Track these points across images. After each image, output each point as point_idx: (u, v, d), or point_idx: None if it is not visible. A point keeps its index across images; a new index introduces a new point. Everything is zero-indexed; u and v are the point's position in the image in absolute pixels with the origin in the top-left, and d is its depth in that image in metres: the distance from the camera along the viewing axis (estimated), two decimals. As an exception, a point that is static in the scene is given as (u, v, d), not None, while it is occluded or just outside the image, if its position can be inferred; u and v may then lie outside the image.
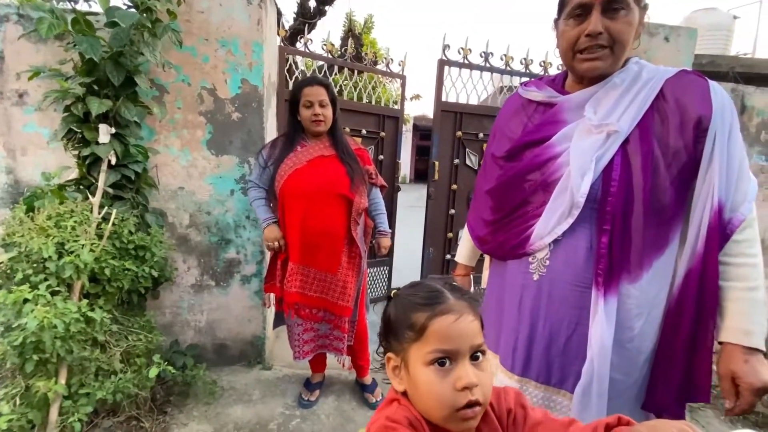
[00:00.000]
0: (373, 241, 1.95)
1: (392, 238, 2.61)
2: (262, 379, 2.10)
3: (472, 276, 1.23)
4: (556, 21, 0.89)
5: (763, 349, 0.76)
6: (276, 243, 1.78)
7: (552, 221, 0.85)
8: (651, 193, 0.79)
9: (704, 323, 0.81)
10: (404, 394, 0.62)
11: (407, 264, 3.56)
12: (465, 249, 1.18)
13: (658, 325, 0.87)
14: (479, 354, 0.59)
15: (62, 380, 1.18)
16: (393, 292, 0.67)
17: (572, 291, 0.85)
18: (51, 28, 1.43)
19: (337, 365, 1.99)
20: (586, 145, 0.83)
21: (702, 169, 0.79)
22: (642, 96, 0.81)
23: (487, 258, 1.11)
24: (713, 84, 0.81)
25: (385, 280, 3.21)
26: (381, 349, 0.67)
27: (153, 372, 1.37)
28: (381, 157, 2.98)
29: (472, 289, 1.26)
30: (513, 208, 0.92)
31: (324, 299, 1.79)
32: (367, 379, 2.03)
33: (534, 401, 0.90)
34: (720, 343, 0.82)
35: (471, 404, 0.55)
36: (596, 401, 0.83)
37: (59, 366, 1.20)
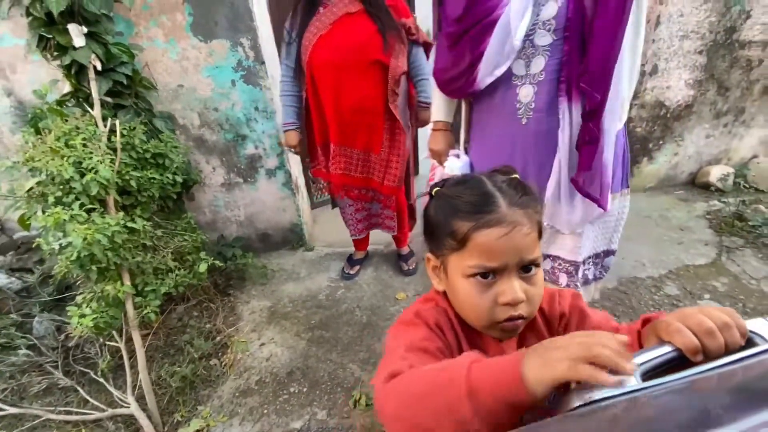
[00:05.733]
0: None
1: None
2: (307, 259, 2.29)
3: (451, 131, 1.29)
4: None
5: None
6: (292, 150, 1.74)
7: (491, 64, 0.98)
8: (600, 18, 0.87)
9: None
10: (444, 294, 0.58)
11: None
12: (439, 103, 1.26)
13: None
14: (532, 267, 0.51)
15: (127, 282, 1.34)
16: (435, 189, 0.57)
17: (551, 124, 1.01)
18: None
19: (376, 240, 2.10)
20: None
21: None
22: None
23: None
24: None
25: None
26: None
27: (202, 267, 1.51)
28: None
29: (453, 145, 1.29)
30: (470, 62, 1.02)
31: (370, 179, 1.76)
32: (404, 250, 2.13)
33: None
34: None
35: (513, 318, 0.50)
36: (565, 191, 1.06)
37: (120, 271, 1.35)
